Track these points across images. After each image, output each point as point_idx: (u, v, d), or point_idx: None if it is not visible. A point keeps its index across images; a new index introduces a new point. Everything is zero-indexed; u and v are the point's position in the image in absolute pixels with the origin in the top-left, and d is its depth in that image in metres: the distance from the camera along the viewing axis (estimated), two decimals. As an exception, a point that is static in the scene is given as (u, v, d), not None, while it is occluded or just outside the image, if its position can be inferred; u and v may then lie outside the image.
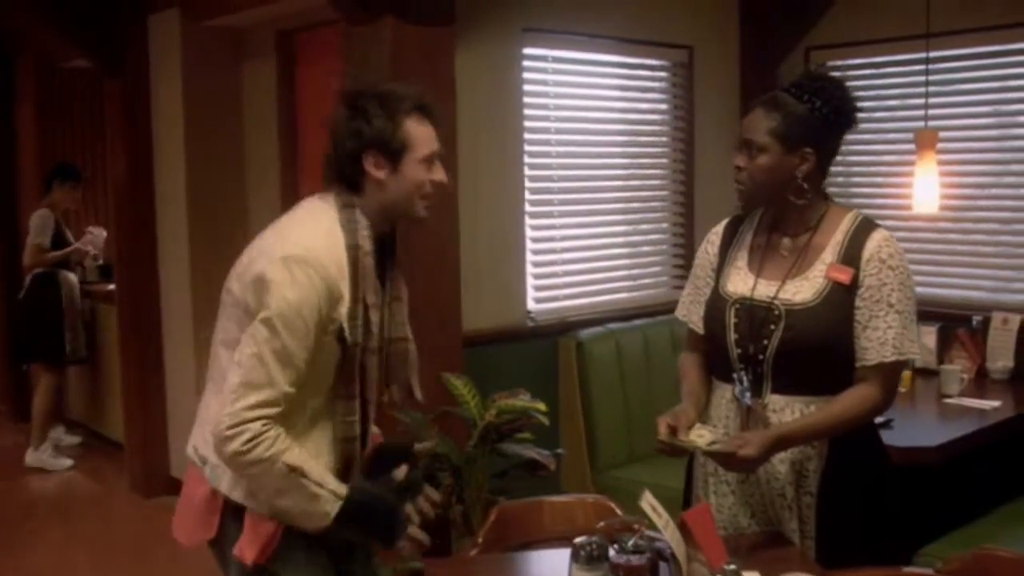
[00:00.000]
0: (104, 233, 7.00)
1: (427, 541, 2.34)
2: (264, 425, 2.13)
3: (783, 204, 2.53)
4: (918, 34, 4.32)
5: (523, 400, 3.57)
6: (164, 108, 5.52)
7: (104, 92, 5.88)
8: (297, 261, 2.14)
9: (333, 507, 2.20)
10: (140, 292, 5.69)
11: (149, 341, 5.70)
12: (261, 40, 5.32)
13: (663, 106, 5.15)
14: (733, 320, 2.53)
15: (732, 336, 2.52)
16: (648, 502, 2.19)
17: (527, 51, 4.48)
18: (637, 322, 4.79)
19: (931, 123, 4.33)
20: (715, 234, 2.74)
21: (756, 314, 2.49)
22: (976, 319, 4.56)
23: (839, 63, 5.16)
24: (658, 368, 4.66)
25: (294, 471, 2.15)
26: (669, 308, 4.97)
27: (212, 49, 5.40)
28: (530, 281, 4.59)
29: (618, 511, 2.80)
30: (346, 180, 2.28)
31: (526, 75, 4.49)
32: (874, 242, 2.46)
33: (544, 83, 4.61)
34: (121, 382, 5.99)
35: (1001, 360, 4.50)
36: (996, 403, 4.06)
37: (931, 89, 4.40)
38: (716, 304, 2.60)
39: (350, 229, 2.23)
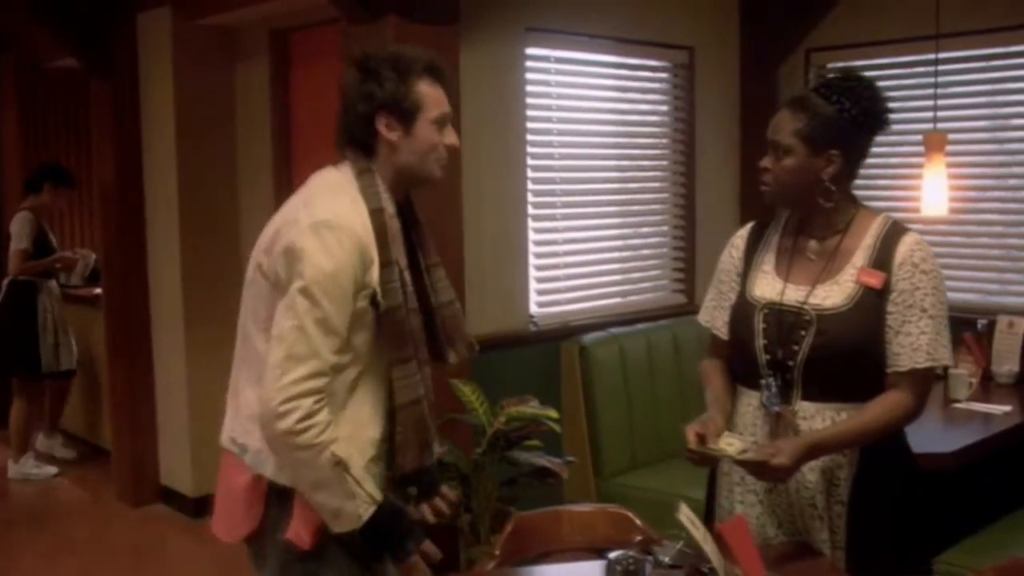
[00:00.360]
0: (93, 256, 6.82)
1: (438, 554, 2.31)
2: (316, 403, 2.09)
3: (810, 206, 2.48)
4: (927, 35, 4.28)
5: (533, 407, 3.50)
6: (154, 109, 5.41)
7: (91, 92, 5.76)
8: (327, 227, 2.11)
9: (367, 511, 2.14)
10: (128, 296, 5.57)
11: (138, 346, 5.58)
12: (254, 40, 5.23)
13: (664, 107, 5.10)
14: (761, 325, 2.47)
15: (760, 342, 2.47)
16: (685, 515, 2.13)
17: (530, 51, 4.41)
18: (639, 326, 4.73)
19: (939, 125, 4.29)
20: (739, 238, 2.68)
21: (785, 319, 2.44)
22: (981, 322, 4.53)
23: (840, 64, 5.12)
24: (661, 373, 4.61)
25: (339, 464, 2.10)
26: (670, 312, 5.00)
27: (204, 49, 5.29)
28: (533, 285, 4.52)
29: (637, 521, 2.75)
30: (358, 144, 2.26)
31: (529, 75, 4.42)
32: (906, 246, 2.42)
33: (547, 84, 4.54)
34: (108, 389, 5.88)
35: (1007, 364, 4.47)
36: (1006, 408, 4.02)
37: (939, 91, 4.35)
38: (743, 309, 2.54)
39: (371, 194, 2.20)
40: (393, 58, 2.23)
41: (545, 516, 2.80)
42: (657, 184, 5.10)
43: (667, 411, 4.60)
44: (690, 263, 5.16)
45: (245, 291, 2.29)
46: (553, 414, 3.50)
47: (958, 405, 4.09)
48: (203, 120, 5.31)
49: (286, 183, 5.12)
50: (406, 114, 2.22)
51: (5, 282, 6.33)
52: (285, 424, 2.06)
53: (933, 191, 4.11)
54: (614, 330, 4.60)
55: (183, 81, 5.24)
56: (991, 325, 4.54)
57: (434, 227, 3.84)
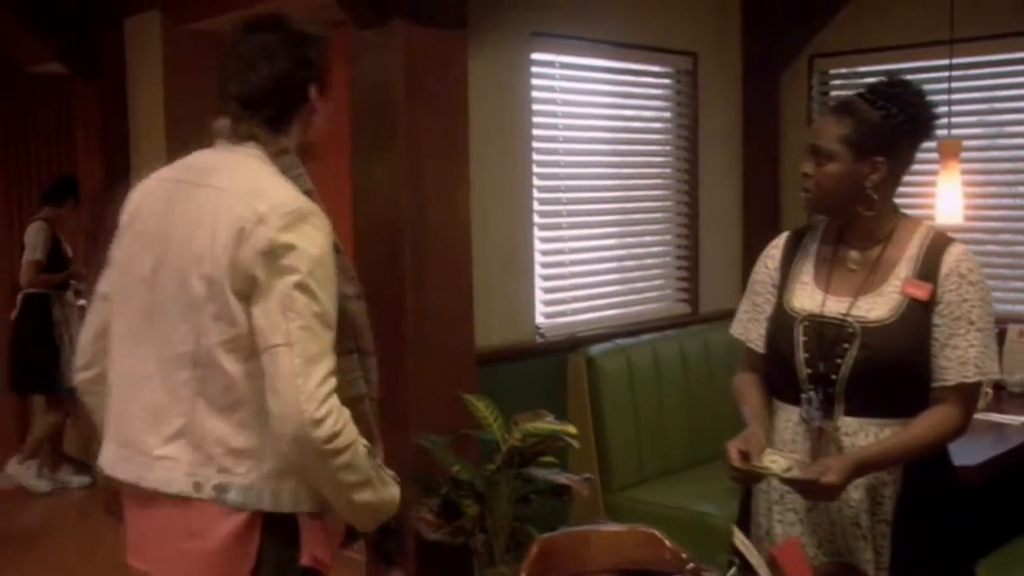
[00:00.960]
0: None
1: None
2: (337, 400, 1.92)
3: (852, 215, 2.41)
4: (941, 40, 4.22)
5: (549, 422, 3.40)
6: (142, 114, 5.27)
7: (77, 97, 5.63)
8: (299, 216, 1.94)
9: (397, 490, 2.08)
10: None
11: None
12: (247, 45, 5.10)
13: (667, 113, 5.02)
14: (802, 338, 2.39)
15: (801, 355, 2.39)
16: (740, 539, 2.04)
17: (535, 56, 4.31)
18: (645, 337, 4.63)
19: (952, 132, 4.23)
20: (774, 248, 2.60)
21: (827, 332, 2.36)
22: (991, 332, 4.46)
23: (844, 71, 5.07)
24: (669, 384, 4.52)
25: (370, 453, 1.98)
26: (675, 322, 4.91)
27: (194, 53, 5.14)
28: (539, 295, 4.41)
29: (667, 542, 2.65)
30: (272, 120, 2.07)
31: (534, 81, 4.32)
32: (952, 256, 2.35)
33: (552, 89, 4.44)
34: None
35: (1018, 373, 4.40)
36: (1022, 418, 3.95)
37: (954, 97, 4.29)
38: (781, 321, 2.46)
39: (297, 175, 2.06)
40: (300, 22, 2.08)
41: (572, 537, 2.69)
42: (660, 192, 5.02)
43: (674, 423, 4.51)
44: (694, 272, 5.08)
45: (184, 315, 1.97)
46: (571, 430, 3.39)
47: (975, 416, 4.00)
48: (193, 126, 5.12)
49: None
50: (326, 85, 2.10)
51: (20, 296, 6.13)
52: (324, 431, 1.87)
53: (947, 198, 4.05)
54: (620, 341, 4.50)
55: (173, 86, 5.10)
56: (1001, 334, 4.46)
57: (441, 235, 3.80)
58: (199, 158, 2.13)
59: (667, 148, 5.03)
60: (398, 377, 3.77)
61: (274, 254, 1.90)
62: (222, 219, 1.94)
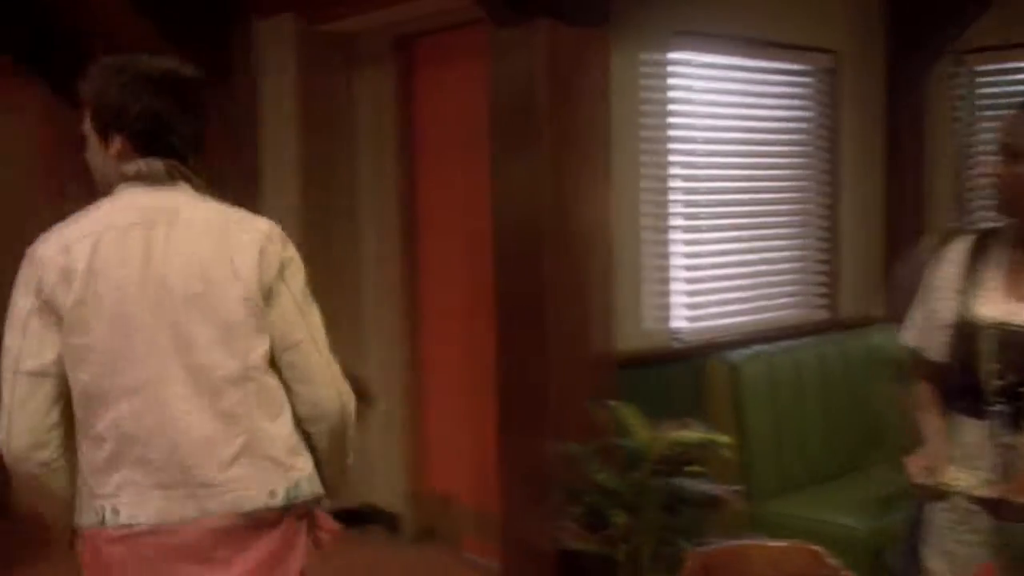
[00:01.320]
0: None
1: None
2: None
3: (1044, 218, 2.25)
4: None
5: (698, 431, 3.29)
6: (272, 115, 5.27)
7: (207, 101, 5.66)
8: (282, 233, 2.19)
9: None
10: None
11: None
12: (376, 45, 5.09)
13: (807, 113, 4.85)
14: (990, 348, 2.24)
15: (990, 366, 2.24)
16: (934, 566, 1.91)
17: (676, 55, 4.20)
18: (783, 343, 4.48)
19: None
20: (956, 252, 2.45)
21: (1017, 342, 2.21)
22: None
23: (994, 67, 4.84)
24: (809, 393, 4.36)
25: None
26: (813, 328, 4.74)
27: (326, 56, 5.15)
28: (678, 299, 4.29)
29: (828, 560, 2.53)
30: (196, 162, 2.23)
31: (674, 80, 4.21)
32: None
33: (691, 89, 4.32)
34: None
35: None
36: None
37: None
38: (964, 330, 2.32)
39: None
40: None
41: (730, 552, 2.60)
42: (799, 194, 4.86)
43: (814, 433, 4.36)
44: (834, 277, 4.90)
45: (220, 339, 2.05)
46: (723, 439, 3.28)
47: None
48: (325, 130, 5.16)
49: (410, 193, 4.99)
50: None
51: None
52: (352, 403, 2.23)
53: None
54: (760, 347, 4.35)
55: (306, 89, 5.10)
56: None
57: (582, 236, 3.73)
58: (144, 200, 2.13)
59: (806, 149, 4.87)
60: (536, 380, 3.71)
61: (283, 268, 2.14)
62: (234, 244, 2.10)
